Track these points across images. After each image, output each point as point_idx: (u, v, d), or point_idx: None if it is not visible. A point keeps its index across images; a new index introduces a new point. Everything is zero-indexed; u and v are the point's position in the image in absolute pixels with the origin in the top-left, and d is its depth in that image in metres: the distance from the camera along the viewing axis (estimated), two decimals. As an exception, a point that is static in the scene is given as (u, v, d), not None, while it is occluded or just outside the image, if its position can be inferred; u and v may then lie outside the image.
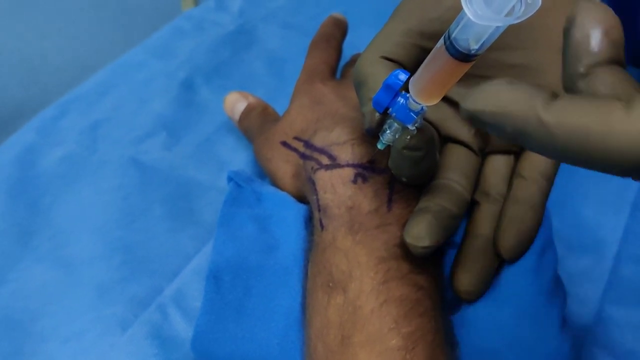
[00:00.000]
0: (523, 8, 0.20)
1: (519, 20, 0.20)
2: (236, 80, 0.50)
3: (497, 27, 0.21)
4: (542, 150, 0.19)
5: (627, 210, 0.41)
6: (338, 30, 0.43)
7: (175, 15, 0.58)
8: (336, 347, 0.27)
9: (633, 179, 0.18)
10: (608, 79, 0.19)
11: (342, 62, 0.44)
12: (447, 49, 0.22)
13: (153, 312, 0.35)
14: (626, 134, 0.17)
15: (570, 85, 0.20)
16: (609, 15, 0.19)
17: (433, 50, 0.23)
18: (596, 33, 0.19)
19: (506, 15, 0.20)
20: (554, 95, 0.18)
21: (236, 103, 0.42)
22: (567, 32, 0.20)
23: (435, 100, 0.25)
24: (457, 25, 0.22)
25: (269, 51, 0.53)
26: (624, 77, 0.19)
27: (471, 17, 0.20)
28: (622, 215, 0.41)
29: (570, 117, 0.18)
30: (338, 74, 0.43)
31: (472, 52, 0.22)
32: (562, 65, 0.20)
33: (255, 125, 0.40)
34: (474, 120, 0.20)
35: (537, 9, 0.20)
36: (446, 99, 0.33)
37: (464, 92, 0.33)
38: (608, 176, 0.43)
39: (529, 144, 0.19)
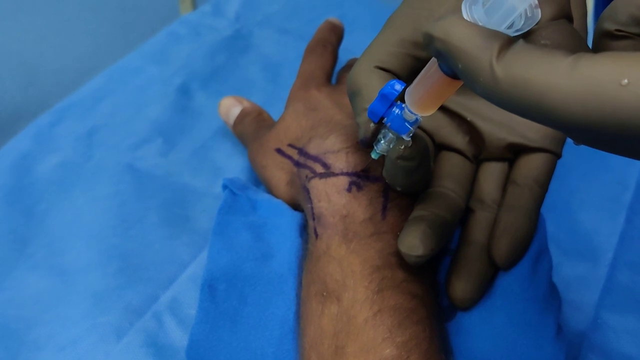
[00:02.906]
0: (523, 21, 0.20)
1: (519, 33, 0.20)
2: (232, 86, 0.50)
3: None
4: (484, 94, 0.18)
5: (623, 215, 0.41)
6: (334, 35, 0.43)
7: (173, 18, 0.58)
8: (330, 357, 0.27)
9: (574, 142, 0.18)
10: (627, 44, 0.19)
11: (338, 67, 0.44)
12: (440, 67, 0.22)
13: (148, 320, 0.34)
14: (564, 92, 0.16)
15: (596, 44, 0.20)
16: None
17: (428, 64, 0.23)
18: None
19: (507, 29, 0.20)
20: (511, 42, 0.18)
21: (231, 107, 0.42)
22: None
23: (431, 111, 0.25)
24: None
25: (264, 56, 0.53)
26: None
27: None
28: (618, 220, 0.41)
29: (518, 68, 0.17)
30: (334, 79, 0.43)
31: None
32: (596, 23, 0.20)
33: (250, 131, 0.40)
34: (431, 47, 0.20)
35: (537, 22, 0.20)
36: (441, 107, 0.33)
37: (461, 100, 0.33)
38: (604, 180, 0.44)
39: (474, 86, 0.18)
